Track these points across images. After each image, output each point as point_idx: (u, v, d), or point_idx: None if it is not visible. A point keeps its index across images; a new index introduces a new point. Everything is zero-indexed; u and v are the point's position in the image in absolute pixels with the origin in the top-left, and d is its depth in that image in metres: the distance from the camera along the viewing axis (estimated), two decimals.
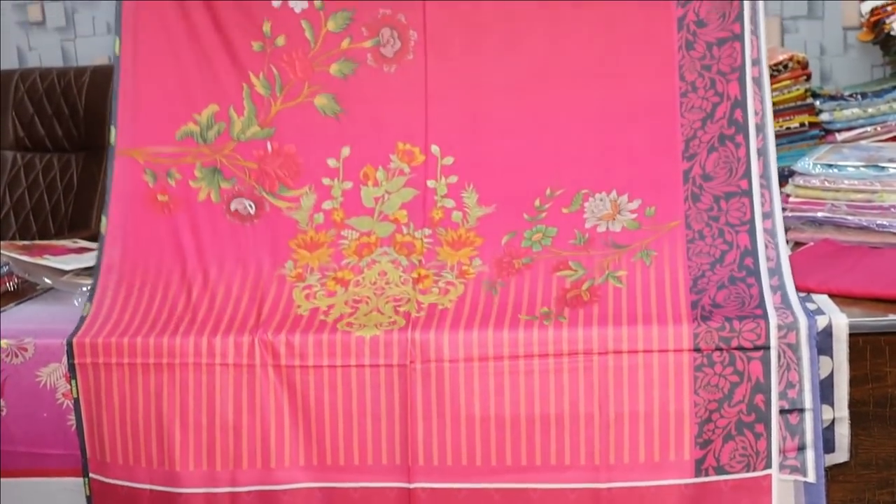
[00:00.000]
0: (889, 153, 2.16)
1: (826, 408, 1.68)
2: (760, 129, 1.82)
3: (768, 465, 1.67)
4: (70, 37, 3.72)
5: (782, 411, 1.66)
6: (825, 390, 1.68)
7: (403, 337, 1.69)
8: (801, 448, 1.66)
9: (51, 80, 3.48)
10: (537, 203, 1.86)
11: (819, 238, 2.09)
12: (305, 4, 1.92)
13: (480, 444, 1.68)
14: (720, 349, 1.64)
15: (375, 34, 1.93)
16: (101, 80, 3.42)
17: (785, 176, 3.13)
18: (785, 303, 1.70)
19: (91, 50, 3.71)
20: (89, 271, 2.02)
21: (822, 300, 1.78)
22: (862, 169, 2.09)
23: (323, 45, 1.93)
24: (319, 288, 1.80)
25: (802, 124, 3.22)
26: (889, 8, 3.22)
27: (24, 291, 2.07)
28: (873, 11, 3.28)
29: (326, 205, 1.89)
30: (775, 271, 1.75)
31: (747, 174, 1.81)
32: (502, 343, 1.67)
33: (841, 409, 1.69)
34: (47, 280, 2.02)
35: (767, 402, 1.65)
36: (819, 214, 2.10)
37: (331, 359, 1.70)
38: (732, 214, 1.79)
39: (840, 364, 1.68)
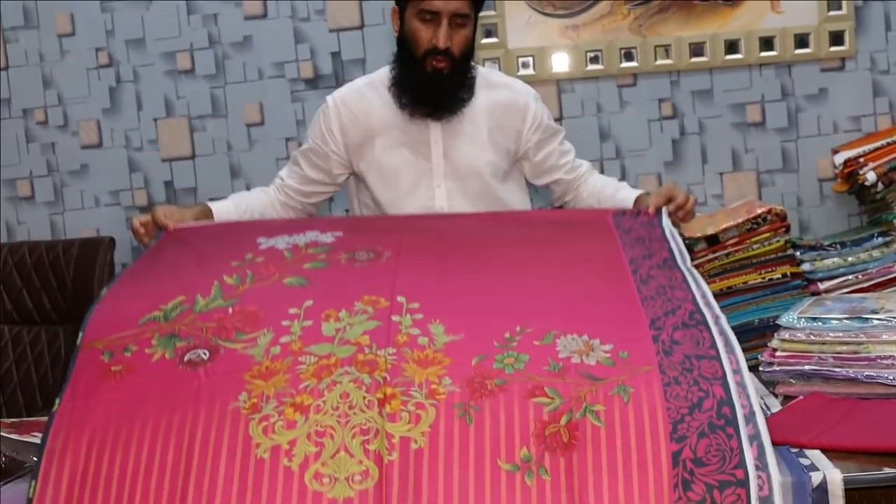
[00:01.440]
0: (872, 304, 2.18)
1: None
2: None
3: None
4: (58, 210, 3.77)
5: None
6: None
7: (379, 494, 1.60)
8: None
9: (39, 254, 3.51)
10: (507, 335, 1.85)
11: (808, 391, 2.09)
12: (291, 246, 2.11)
13: None
14: None
15: (351, 252, 2.14)
16: (88, 253, 3.45)
17: (769, 327, 3.17)
18: (762, 461, 1.67)
19: (79, 223, 3.76)
20: None
21: (816, 455, 1.78)
22: (846, 321, 2.11)
23: (299, 258, 2.07)
24: (277, 418, 1.69)
25: (784, 275, 3.27)
26: (862, 159, 3.31)
27: (12, 470, 2.05)
28: (846, 163, 3.36)
29: (284, 339, 1.85)
30: (749, 419, 1.72)
31: (713, 345, 1.85)
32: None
33: None
34: (36, 458, 2.00)
35: None
36: (806, 367, 2.10)
37: None
38: (705, 370, 1.80)
39: None
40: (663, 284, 1.93)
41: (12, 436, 2.02)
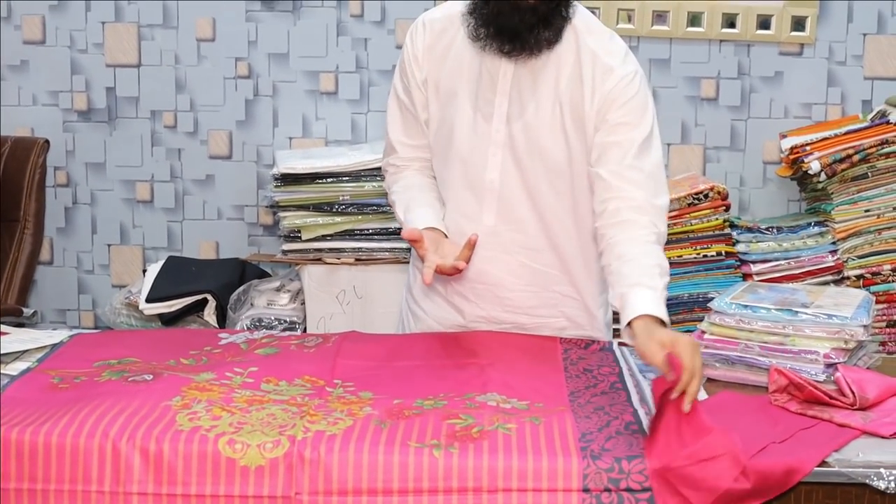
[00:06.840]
0: (803, 297, 2.19)
1: None
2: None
3: None
4: None
5: None
6: None
7: (289, 463, 1.69)
8: None
9: None
10: (430, 397, 1.94)
11: (731, 376, 2.11)
12: (247, 339, 2.24)
13: None
14: (609, 490, 1.66)
15: (301, 339, 2.28)
16: (21, 152, 3.36)
17: (698, 302, 3.21)
18: None
19: (14, 120, 3.65)
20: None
21: None
22: (775, 311, 2.12)
23: (252, 347, 2.19)
24: (204, 414, 1.79)
25: (719, 253, 3.29)
26: (808, 147, 3.33)
27: None
28: (793, 149, 3.38)
29: (224, 381, 1.97)
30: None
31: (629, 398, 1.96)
32: (392, 473, 1.67)
33: None
34: None
35: None
36: (732, 353, 2.12)
37: (214, 487, 1.69)
38: (615, 408, 1.90)
39: None
40: (603, 406, 1.91)
41: None
